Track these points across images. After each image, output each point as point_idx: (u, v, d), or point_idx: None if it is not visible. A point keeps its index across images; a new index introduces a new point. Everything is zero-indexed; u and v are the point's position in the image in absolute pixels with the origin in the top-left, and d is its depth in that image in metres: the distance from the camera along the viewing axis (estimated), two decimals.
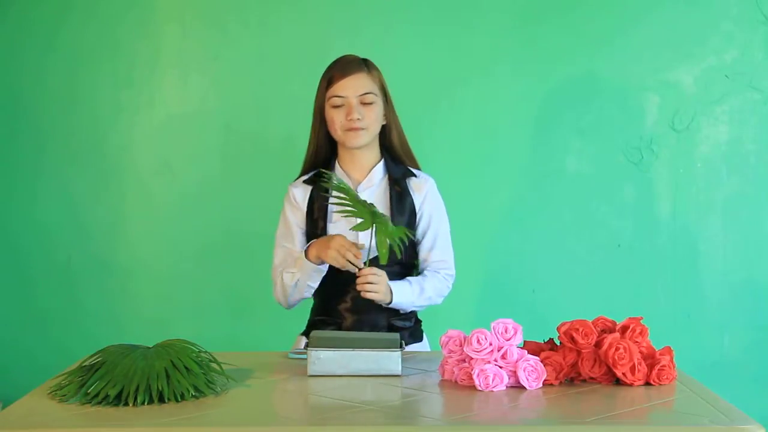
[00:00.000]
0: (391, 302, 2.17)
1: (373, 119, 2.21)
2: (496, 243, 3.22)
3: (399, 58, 3.06)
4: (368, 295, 2.12)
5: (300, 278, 2.20)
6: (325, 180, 2.14)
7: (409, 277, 2.25)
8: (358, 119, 2.18)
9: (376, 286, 2.12)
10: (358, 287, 2.12)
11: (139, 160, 3.25)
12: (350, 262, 2.10)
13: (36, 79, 3.22)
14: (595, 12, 3.17)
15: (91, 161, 3.24)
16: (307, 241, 2.25)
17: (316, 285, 2.22)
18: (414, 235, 2.15)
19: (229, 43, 3.21)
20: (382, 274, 2.13)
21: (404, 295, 2.19)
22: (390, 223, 2.08)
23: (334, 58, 2.28)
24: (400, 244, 2.07)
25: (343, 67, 2.22)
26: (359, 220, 2.07)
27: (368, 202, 2.10)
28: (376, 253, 2.15)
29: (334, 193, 2.11)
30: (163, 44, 3.22)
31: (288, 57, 3.19)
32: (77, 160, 3.24)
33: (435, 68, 3.18)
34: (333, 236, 2.14)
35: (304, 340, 2.30)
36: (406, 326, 2.26)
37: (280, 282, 2.23)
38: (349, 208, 2.06)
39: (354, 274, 2.13)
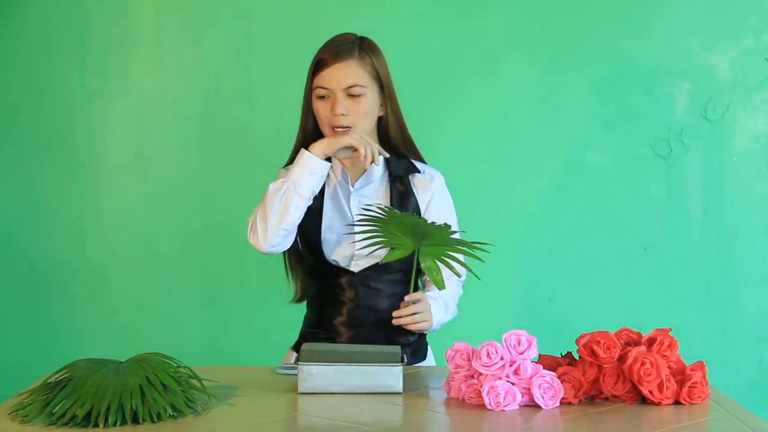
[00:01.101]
0: (432, 327, 2.18)
1: (360, 114, 2.18)
2: (509, 245, 3.22)
3: (405, 44, 3.07)
4: (417, 327, 2.12)
5: (291, 184, 2.13)
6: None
7: (429, 293, 2.23)
8: (343, 114, 2.16)
9: (423, 314, 2.12)
10: (403, 321, 2.10)
11: (111, 152, 3.26)
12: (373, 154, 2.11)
13: None
14: None
15: (57, 153, 3.25)
16: (300, 244, 2.24)
17: (307, 198, 2.13)
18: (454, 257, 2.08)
19: (211, 24, 3.22)
20: (424, 299, 2.12)
21: (438, 314, 2.19)
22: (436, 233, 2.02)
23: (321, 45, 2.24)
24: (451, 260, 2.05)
25: (332, 49, 2.19)
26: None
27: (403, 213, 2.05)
28: (378, 260, 2.16)
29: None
30: (137, 24, 3.23)
31: (277, 39, 3.20)
32: (41, 152, 3.25)
33: (445, 56, 3.19)
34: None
35: (294, 354, 2.30)
36: (409, 341, 2.25)
37: (261, 203, 2.14)
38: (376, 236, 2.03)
39: (351, 280, 2.13)
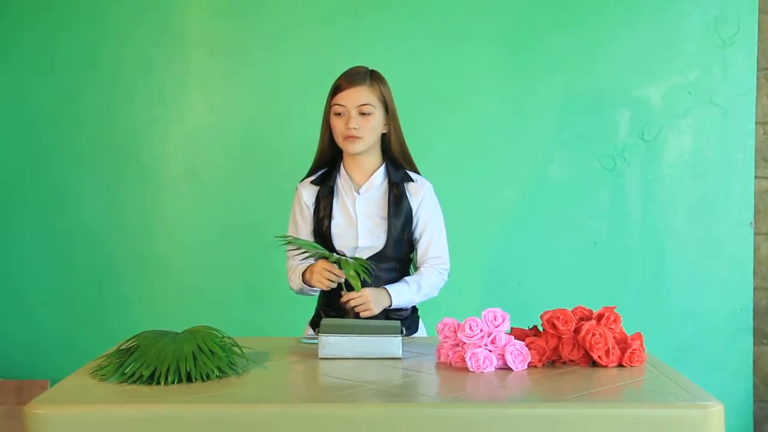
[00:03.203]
0: (391, 305, 2.17)
1: (369, 129, 2.17)
2: (488, 240, 3.21)
3: (399, 78, 3.04)
4: (363, 315, 2.12)
5: (303, 289, 2.23)
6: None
7: (406, 278, 2.23)
8: (355, 128, 2.16)
9: (363, 305, 2.12)
10: (354, 310, 2.14)
11: (171, 168, 3.25)
12: (332, 280, 2.13)
13: (79, 96, 3.21)
14: (574, 36, 3.16)
15: (129, 169, 3.24)
16: (314, 237, 2.24)
17: (318, 292, 2.24)
18: (370, 267, 2.14)
19: (249, 63, 3.21)
20: (360, 294, 2.12)
21: (402, 296, 2.18)
22: (349, 260, 2.11)
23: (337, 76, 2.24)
24: (368, 270, 2.11)
25: (347, 78, 2.19)
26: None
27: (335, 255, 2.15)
28: (377, 250, 2.19)
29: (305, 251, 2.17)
30: (190, 65, 3.22)
31: (300, 75, 3.18)
32: (116, 166, 3.24)
33: (433, 86, 3.17)
34: (315, 263, 2.16)
35: (310, 329, 2.30)
36: (402, 316, 2.24)
37: (289, 281, 2.27)
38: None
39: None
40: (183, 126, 3.24)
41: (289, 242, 2.15)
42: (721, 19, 3.13)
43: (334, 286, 2.14)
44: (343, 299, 2.13)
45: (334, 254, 2.15)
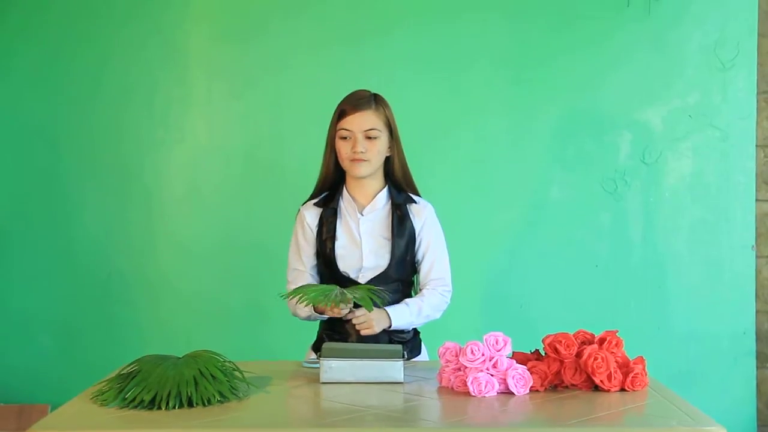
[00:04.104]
0: (390, 326, 2.17)
1: (375, 152, 2.18)
2: (489, 264, 3.22)
3: (402, 102, 3.06)
4: (365, 333, 2.13)
5: (311, 316, 2.21)
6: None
7: (407, 300, 2.23)
8: (362, 152, 2.17)
9: (364, 324, 2.12)
10: (356, 329, 2.14)
11: (172, 186, 3.26)
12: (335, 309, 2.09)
13: (84, 117, 3.23)
14: (575, 61, 3.18)
15: (132, 188, 3.25)
16: (318, 259, 2.24)
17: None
18: (380, 294, 2.10)
19: (251, 85, 3.23)
20: (363, 314, 2.12)
21: (402, 317, 2.18)
22: (357, 290, 2.07)
23: (340, 97, 2.24)
24: (378, 294, 2.07)
25: (353, 102, 2.20)
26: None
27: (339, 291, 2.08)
28: (381, 270, 2.20)
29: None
30: (192, 86, 3.24)
31: (301, 98, 3.20)
32: (120, 185, 3.24)
33: (436, 110, 3.19)
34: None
35: (312, 352, 2.29)
36: (405, 339, 2.24)
37: (293, 307, 2.21)
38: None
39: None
40: (185, 147, 3.25)
41: (300, 296, 2.03)
42: (720, 43, 3.16)
43: (348, 310, 2.12)
44: (348, 316, 2.12)
45: (344, 291, 2.06)
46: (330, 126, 2.23)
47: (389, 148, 2.23)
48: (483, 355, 1.78)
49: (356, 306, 2.11)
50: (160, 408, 1.63)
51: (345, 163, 2.20)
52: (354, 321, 2.13)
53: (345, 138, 2.18)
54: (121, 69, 3.22)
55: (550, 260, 3.21)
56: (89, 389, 1.78)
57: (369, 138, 2.18)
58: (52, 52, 3.22)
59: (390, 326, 2.16)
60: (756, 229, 3.19)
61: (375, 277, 2.20)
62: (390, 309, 2.17)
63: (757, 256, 3.20)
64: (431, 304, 2.23)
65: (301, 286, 2.08)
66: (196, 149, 3.25)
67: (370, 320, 2.12)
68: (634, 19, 3.16)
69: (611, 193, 3.20)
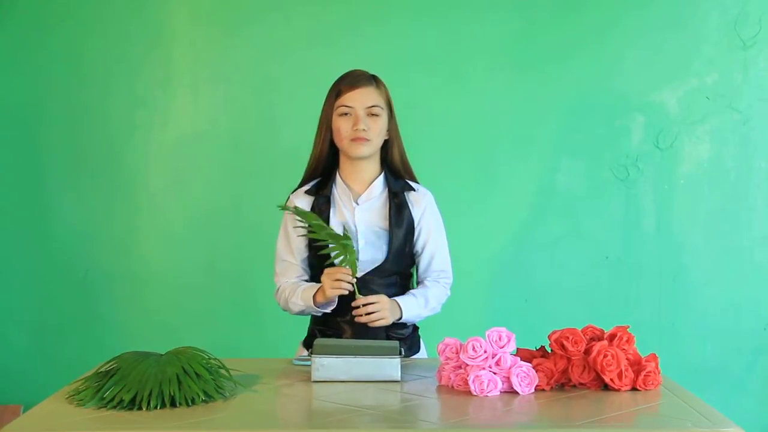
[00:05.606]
0: (401, 318, 2.16)
1: (377, 131, 2.18)
2: (492, 255, 3.22)
3: (399, 81, 3.06)
4: (376, 324, 2.10)
5: (305, 311, 2.19)
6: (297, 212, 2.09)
7: (413, 290, 2.23)
8: (364, 130, 2.16)
9: (379, 313, 2.10)
10: (363, 320, 2.09)
11: (153, 177, 3.26)
12: (344, 281, 2.08)
13: (52, 98, 3.22)
14: (584, 38, 3.18)
15: (107, 178, 3.24)
16: (309, 251, 2.23)
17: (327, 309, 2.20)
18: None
19: (238, 66, 3.22)
20: (380, 299, 2.10)
21: (412, 308, 2.18)
22: (351, 242, 2.05)
23: (333, 81, 2.23)
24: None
25: (352, 80, 2.19)
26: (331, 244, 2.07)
27: (328, 227, 2.08)
28: (377, 264, 2.17)
29: (299, 218, 2.09)
30: (175, 66, 3.23)
31: (292, 78, 3.19)
32: (93, 176, 3.24)
33: (435, 92, 3.19)
34: (324, 273, 2.12)
35: (304, 349, 2.28)
36: (403, 335, 2.24)
37: (284, 301, 2.22)
38: (312, 233, 2.05)
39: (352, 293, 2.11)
40: (166, 132, 3.25)
41: (293, 211, 2.07)
42: (741, 19, 3.15)
43: (349, 287, 2.08)
44: (359, 302, 2.09)
45: (339, 234, 2.07)
46: (325, 105, 2.22)
47: (387, 131, 2.23)
48: (485, 352, 1.78)
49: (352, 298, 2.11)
50: (140, 408, 1.63)
51: (344, 143, 2.19)
52: (369, 309, 2.08)
53: (345, 114, 2.17)
54: (96, 46, 3.21)
55: (556, 251, 3.21)
56: (65, 388, 1.78)
57: (371, 115, 2.17)
58: (28, 31, 3.20)
59: (400, 317, 2.15)
60: None
61: (371, 270, 2.19)
62: (400, 299, 2.16)
63: None
64: (436, 296, 2.24)
65: (306, 212, 2.08)
66: (179, 135, 3.24)
67: (386, 309, 2.10)
68: None
69: (623, 180, 3.20)
